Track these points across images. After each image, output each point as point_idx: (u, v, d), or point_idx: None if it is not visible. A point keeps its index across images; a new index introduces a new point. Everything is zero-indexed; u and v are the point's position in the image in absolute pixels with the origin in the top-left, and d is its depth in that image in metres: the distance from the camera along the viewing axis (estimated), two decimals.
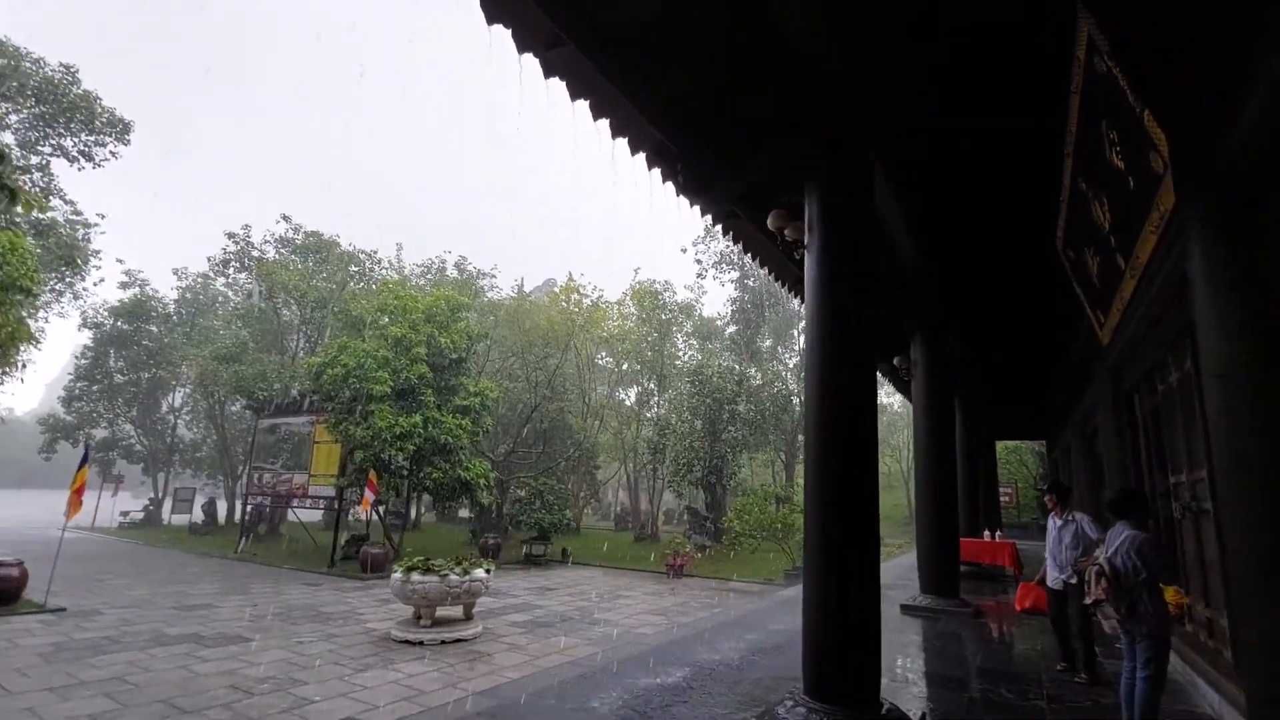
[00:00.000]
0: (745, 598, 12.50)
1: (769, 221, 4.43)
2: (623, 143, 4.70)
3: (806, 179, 4.12)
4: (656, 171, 5.11)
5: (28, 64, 15.03)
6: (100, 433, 27.68)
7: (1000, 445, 25.01)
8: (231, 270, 24.04)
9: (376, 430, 14.18)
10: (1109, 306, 6.08)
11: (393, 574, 8.64)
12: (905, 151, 4.85)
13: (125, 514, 26.15)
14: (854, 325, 3.84)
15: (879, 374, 13.14)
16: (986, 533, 11.77)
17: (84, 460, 10.36)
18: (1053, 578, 5.26)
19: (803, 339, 3.98)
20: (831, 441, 3.74)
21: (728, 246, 23.30)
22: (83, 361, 26.56)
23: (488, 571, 8.92)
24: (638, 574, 15.97)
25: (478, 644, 8.23)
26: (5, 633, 7.97)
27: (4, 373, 20.30)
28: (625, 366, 29.66)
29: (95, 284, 27.45)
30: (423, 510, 27.91)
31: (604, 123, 4.37)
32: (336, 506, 16.19)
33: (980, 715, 4.18)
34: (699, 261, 24.78)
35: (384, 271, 24.24)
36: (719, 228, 6.27)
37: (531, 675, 6.38)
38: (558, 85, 4.00)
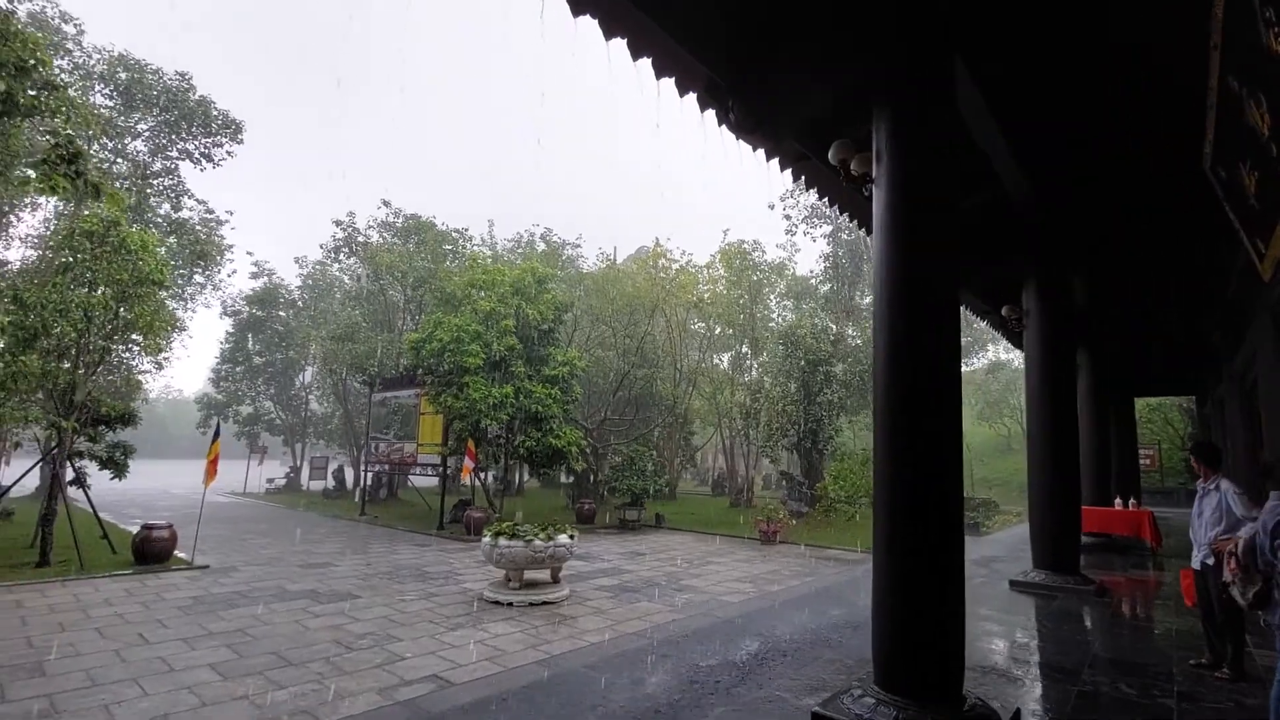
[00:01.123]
0: (839, 567, 11.98)
1: (830, 155, 3.91)
2: (669, 84, 4.32)
3: (873, 101, 3.56)
4: (712, 115, 4.70)
5: (150, 75, 16.63)
6: (245, 409, 30.99)
7: (1141, 403, 22.32)
8: (342, 256, 25.83)
9: (471, 401, 14.75)
10: (1270, 232, 4.98)
11: (483, 538, 8.96)
12: (1001, 53, 4.11)
13: (270, 481, 29.32)
14: (929, 264, 3.31)
15: (989, 325, 11.91)
16: (1118, 500, 10.46)
17: (215, 435, 11.50)
18: (1196, 556, 4.46)
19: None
20: (903, 397, 3.27)
21: (818, 199, 22.04)
22: (226, 346, 29.73)
23: (572, 537, 9.03)
24: (731, 540, 15.76)
25: (563, 607, 8.37)
26: (155, 587, 9.07)
27: (164, 358, 23.01)
28: (718, 331, 29.12)
29: (229, 275, 30.39)
30: (526, 477, 29.11)
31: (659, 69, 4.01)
32: (442, 473, 17.15)
33: (1089, 714, 3.62)
34: (788, 217, 23.62)
35: (476, 248, 25.06)
36: (789, 174, 5.74)
37: (601, 643, 6.36)
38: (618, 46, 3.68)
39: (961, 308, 17.83)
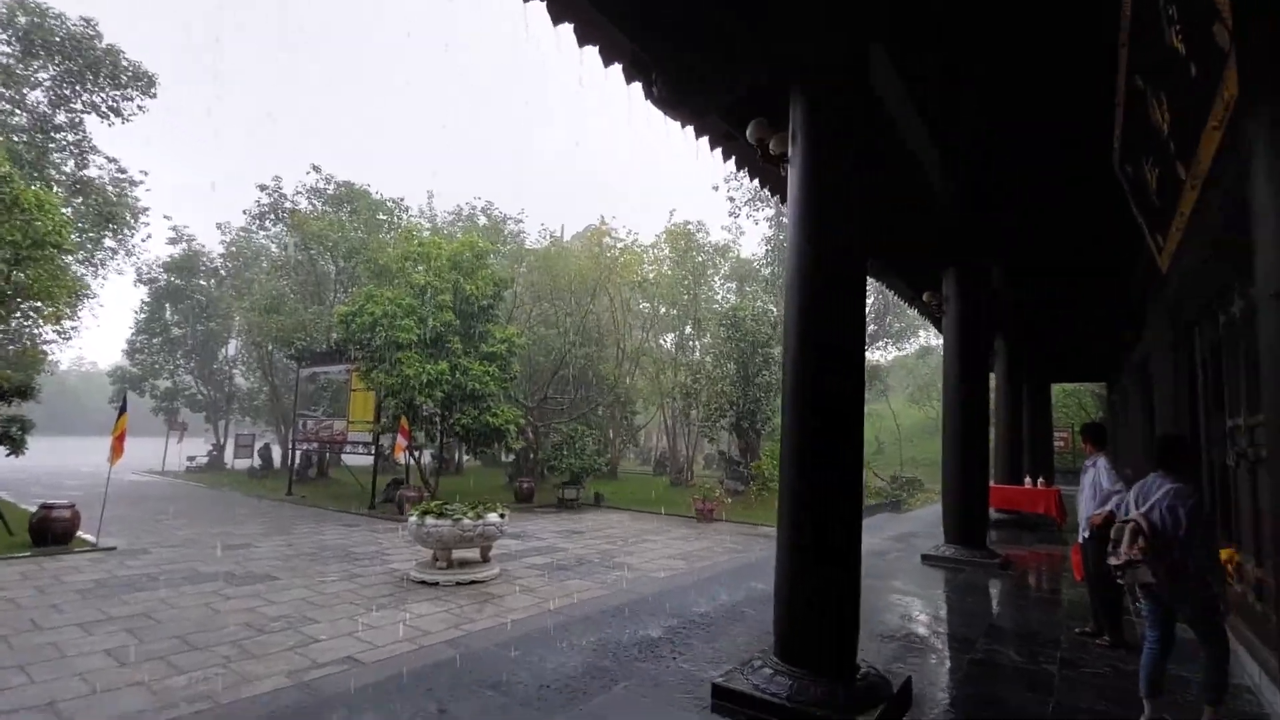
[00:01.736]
0: (769, 543, 12.29)
1: (748, 134, 3.91)
2: (593, 53, 4.21)
3: (790, 82, 3.56)
4: (638, 87, 4.62)
5: (52, 20, 15.14)
6: (163, 383, 29.25)
7: (1058, 388, 23.72)
8: (268, 223, 24.47)
9: (404, 378, 14.33)
10: (1168, 228, 5.31)
11: (409, 518, 8.77)
12: (921, 44, 4.19)
13: (191, 459, 27.87)
14: (836, 245, 3.37)
15: (918, 311, 12.35)
16: (1028, 479, 11.12)
17: (121, 409, 10.80)
18: (1080, 531, 4.77)
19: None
20: (807, 373, 3.34)
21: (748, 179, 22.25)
22: (141, 316, 27.87)
23: (502, 516, 8.94)
24: (668, 519, 15.99)
25: (492, 586, 8.31)
26: (54, 570, 8.50)
27: (70, 327, 21.38)
28: (663, 311, 29.24)
29: (144, 240, 28.43)
30: (466, 456, 28.66)
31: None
32: (373, 452, 16.67)
33: (977, 681, 3.84)
34: (731, 199, 23.85)
35: (414, 219, 24.20)
36: (719, 153, 5.73)
37: (521, 620, 6.34)
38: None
39: (889, 293, 18.42)
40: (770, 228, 23.73)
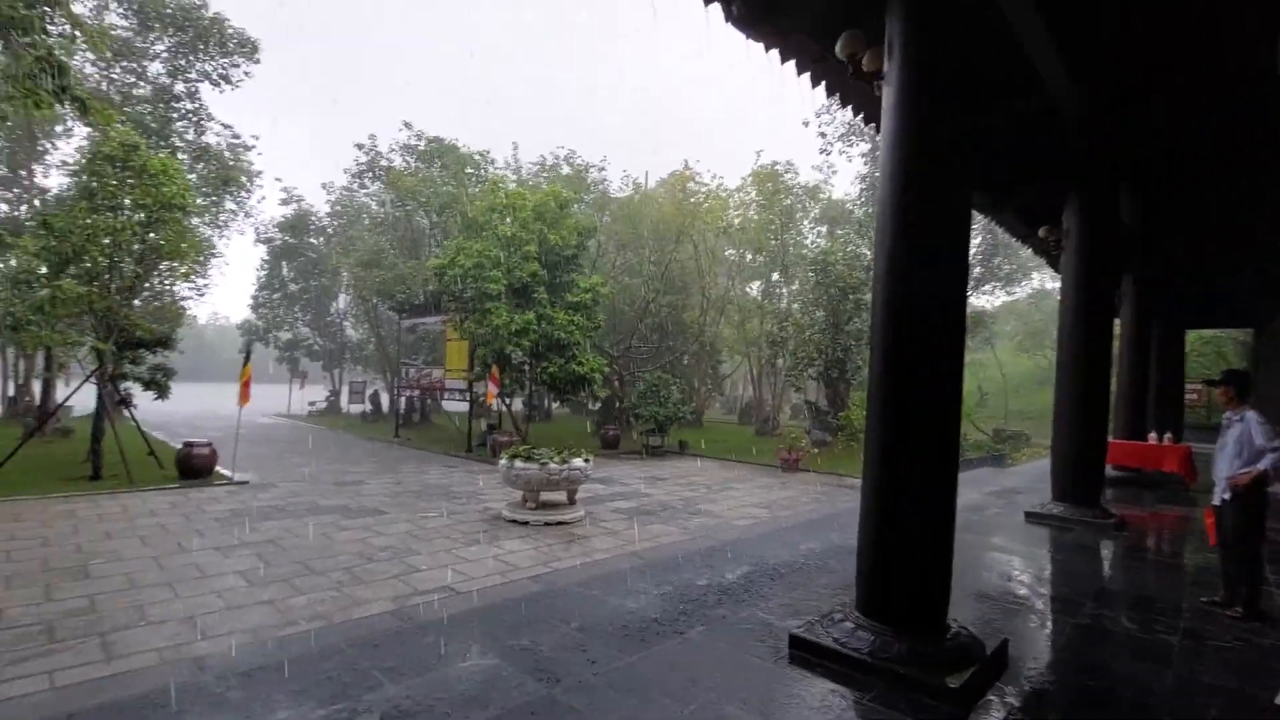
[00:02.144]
0: (854, 494, 11.93)
1: (838, 49, 3.52)
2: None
3: None
4: (716, 10, 4.28)
5: None
6: (284, 334, 31.92)
7: (1194, 335, 21.22)
8: (367, 181, 25.63)
9: (494, 328, 14.82)
10: None
11: (500, 461, 9.18)
12: None
13: (311, 404, 30.56)
14: (938, 170, 3.01)
15: (1032, 251, 11.25)
16: (1153, 435, 10.06)
17: (246, 358, 11.86)
18: (1216, 492, 4.23)
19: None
20: (900, 313, 3.06)
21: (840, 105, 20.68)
22: (262, 273, 30.33)
23: (586, 461, 9.16)
24: (752, 467, 15.90)
25: (577, 527, 8.61)
26: (197, 500, 9.61)
27: (203, 284, 23.56)
28: (749, 258, 28.41)
29: (259, 201, 30.53)
30: (554, 403, 29.63)
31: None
32: (469, 398, 17.54)
33: (1082, 648, 3.54)
34: (823, 135, 22.33)
35: (499, 171, 24.54)
36: (807, 79, 5.28)
37: (603, 560, 6.52)
38: None
39: (999, 232, 16.86)
40: (865, 164, 22.15)
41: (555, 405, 29.70)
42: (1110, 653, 3.59)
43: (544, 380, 16.23)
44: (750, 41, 4.63)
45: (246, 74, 18.23)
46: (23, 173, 20.09)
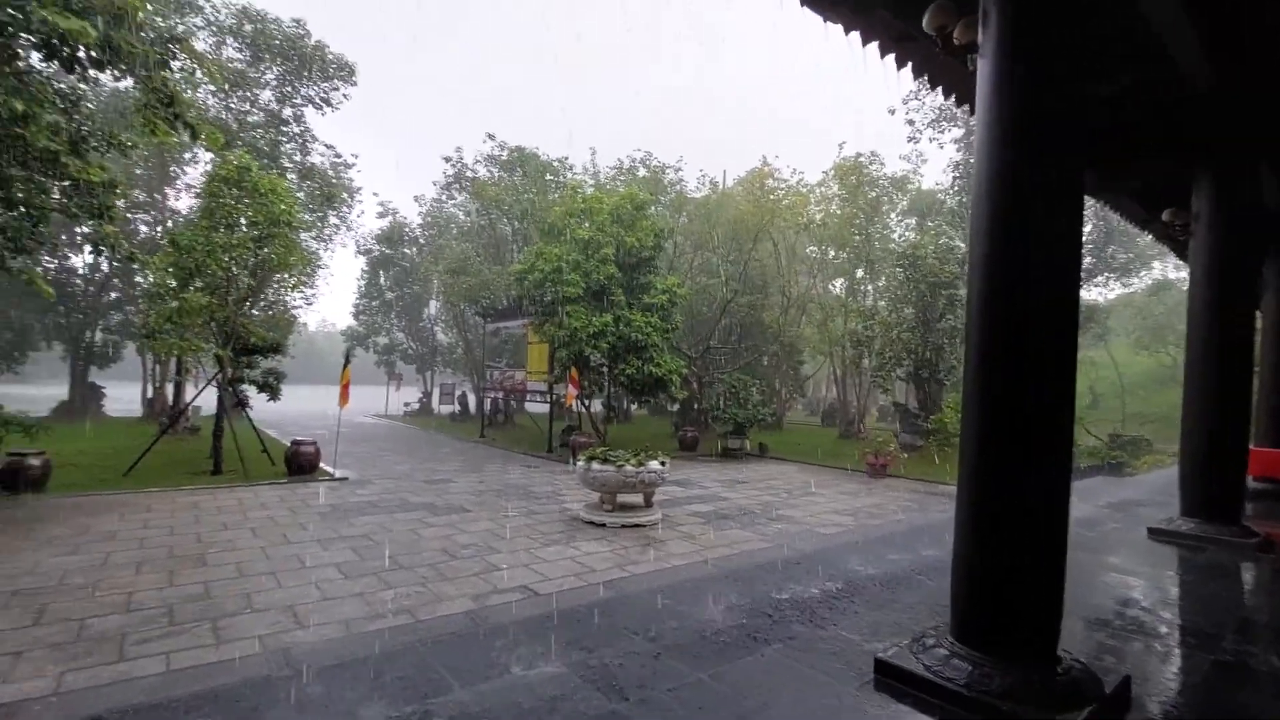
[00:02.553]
0: (948, 504, 11.18)
1: (925, 23, 3.24)
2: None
3: None
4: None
5: (271, 25, 17.61)
6: (382, 340, 33.94)
7: None
8: (454, 191, 26.79)
9: (572, 330, 15.06)
10: None
11: (577, 462, 9.26)
12: None
13: (406, 405, 32.29)
14: (1043, 147, 2.69)
15: (1153, 238, 10.18)
16: None
17: (345, 362, 12.63)
18: None
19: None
20: (1001, 308, 2.77)
21: (929, 87, 19.48)
22: (361, 282, 32.39)
23: (663, 464, 9.09)
24: (836, 471, 15.31)
25: (654, 530, 8.55)
26: (302, 495, 10.30)
27: (311, 293, 25.34)
28: (831, 254, 27.45)
29: (358, 216, 32.59)
30: (633, 405, 29.82)
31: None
32: (549, 400, 17.92)
33: (1220, 688, 3.07)
34: (910, 122, 21.21)
35: (577, 177, 24.98)
36: (892, 61, 4.96)
37: (678, 567, 6.40)
38: None
39: (1114, 218, 15.36)
40: (958, 150, 20.83)
41: (634, 407, 29.88)
42: (1257, 697, 3.11)
43: (622, 382, 16.33)
44: (829, 25, 4.39)
45: (345, 96, 19.56)
46: (158, 196, 22.43)
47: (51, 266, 24.56)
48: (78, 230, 19.46)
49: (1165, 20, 4.28)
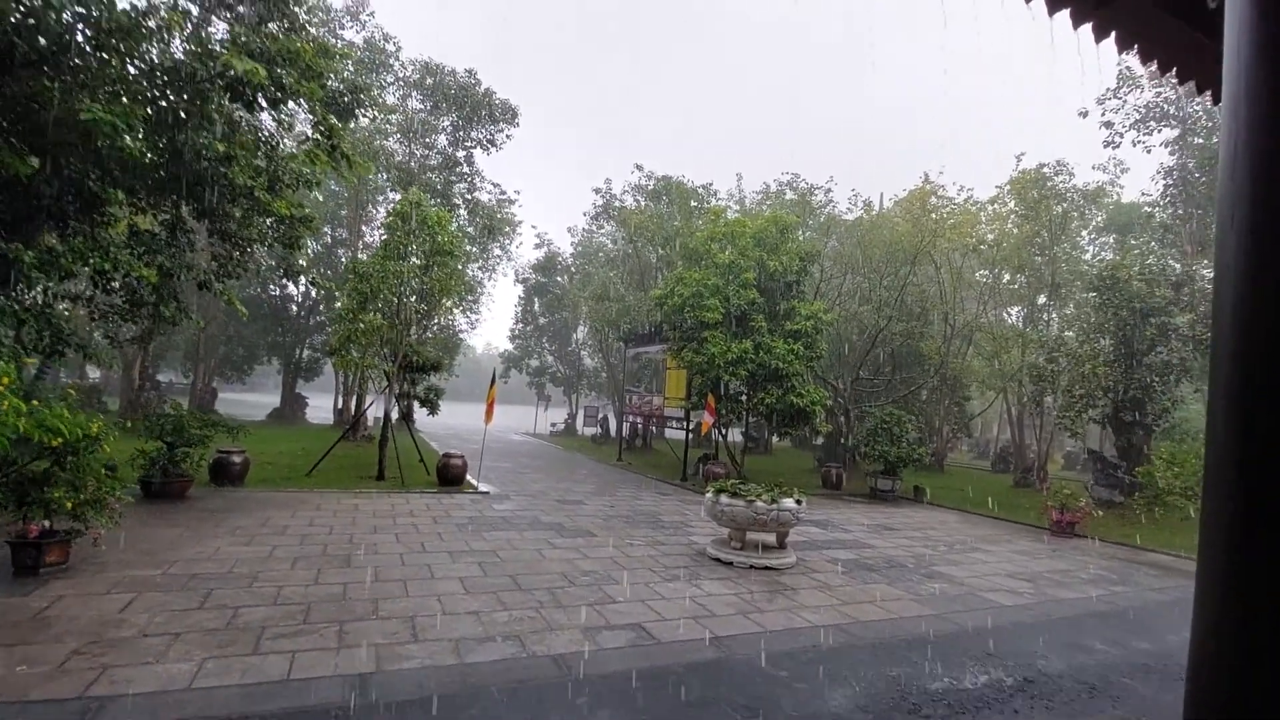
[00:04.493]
0: (1162, 578, 9.15)
1: None
2: None
3: None
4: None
5: (448, 77, 19.60)
6: (534, 362, 35.94)
7: None
8: (603, 221, 27.85)
9: (710, 356, 14.66)
10: None
11: (705, 493, 8.78)
12: None
13: (553, 425, 33.73)
14: None
15: None
16: None
17: (492, 382, 13.28)
18: None
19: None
20: (1255, 339, 1.94)
21: (1157, 93, 16.56)
22: (518, 309, 34.68)
23: (799, 502, 8.32)
24: (1009, 525, 13.27)
25: (786, 575, 7.80)
26: (447, 505, 10.84)
27: (475, 318, 27.40)
28: (1006, 279, 24.54)
29: (517, 247, 35.02)
30: (774, 437, 28.62)
31: None
32: (686, 426, 17.59)
33: None
34: (1108, 125, 18.36)
35: (722, 202, 24.81)
36: (1089, 35, 4.06)
37: (801, 629, 5.64)
38: None
39: None
40: (1171, 154, 17.60)
41: (776, 439, 28.64)
42: None
43: (761, 411, 15.58)
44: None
45: (508, 137, 21.17)
46: (357, 232, 25.80)
47: (275, 293, 29.17)
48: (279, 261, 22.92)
49: None
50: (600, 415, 30.85)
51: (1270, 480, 1.99)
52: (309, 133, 7.59)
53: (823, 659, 3.76)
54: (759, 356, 14.71)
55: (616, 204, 26.42)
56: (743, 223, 16.61)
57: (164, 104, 6.95)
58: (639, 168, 25.81)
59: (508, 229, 27.85)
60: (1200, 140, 16.64)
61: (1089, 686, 3.49)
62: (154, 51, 6.97)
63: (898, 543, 10.50)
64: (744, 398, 16.18)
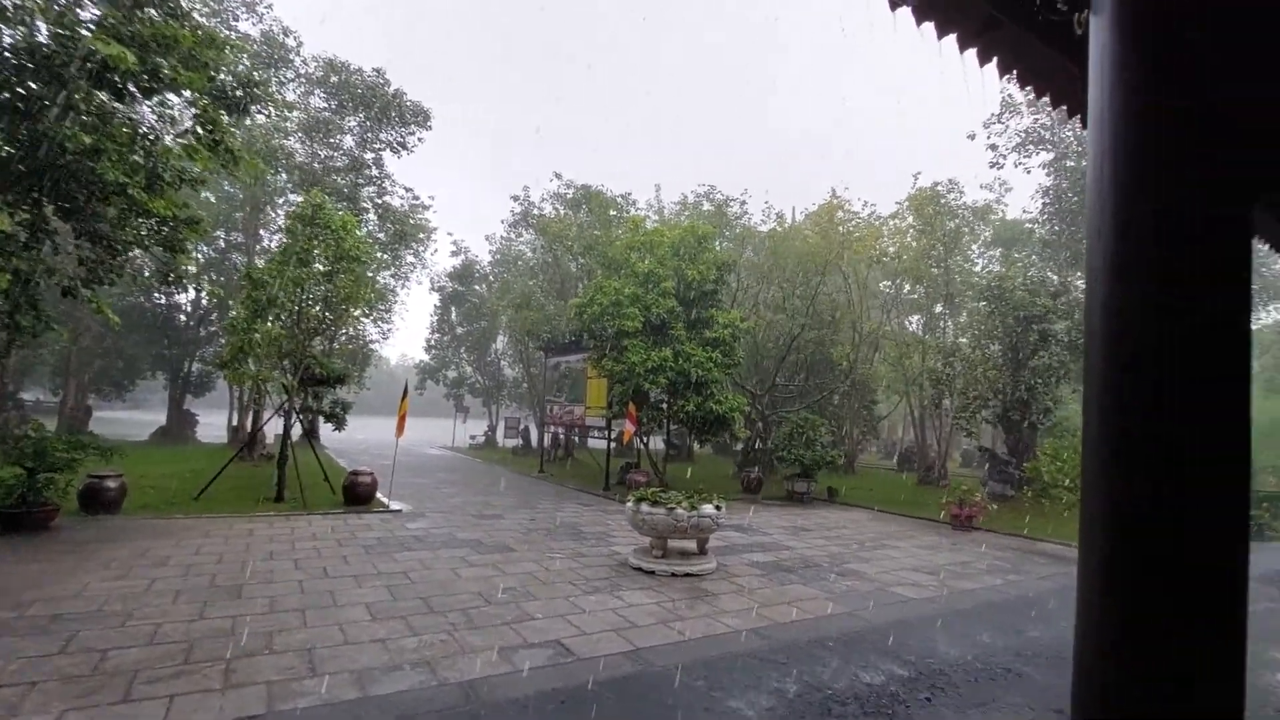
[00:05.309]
0: (1052, 566, 9.91)
1: None
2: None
3: None
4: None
5: (354, 76, 18.73)
6: (451, 373, 34.81)
7: None
8: (522, 229, 27.41)
9: (630, 365, 14.67)
10: None
11: (627, 502, 8.71)
12: None
13: (472, 437, 32.73)
14: (1184, 124, 2.04)
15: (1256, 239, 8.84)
16: None
17: (404, 394, 12.70)
18: None
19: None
20: (1122, 342, 2.09)
21: (1034, 119, 18.22)
22: (434, 318, 33.51)
23: (718, 508, 8.40)
24: (914, 521, 14.01)
25: (707, 581, 7.84)
26: (353, 526, 10.21)
27: (387, 328, 26.23)
28: (907, 289, 26.13)
29: (432, 254, 33.95)
30: (696, 443, 29.03)
31: None
32: (608, 435, 17.51)
33: None
34: (993, 147, 19.99)
35: (641, 212, 25.03)
36: (974, 58, 4.34)
37: (726, 635, 5.69)
38: None
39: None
40: (1049, 175, 19.39)
41: (697, 446, 29.06)
42: None
43: (681, 419, 15.73)
44: (896, 18, 3.86)
45: (420, 140, 20.46)
46: (255, 236, 24.09)
47: (161, 302, 26.76)
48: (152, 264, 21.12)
49: None
50: (521, 426, 30.23)
51: (1139, 468, 2.14)
52: (197, 128, 6.98)
53: (741, 664, 3.76)
54: (678, 364, 14.86)
55: (536, 212, 26.10)
56: (661, 232, 16.80)
57: (21, 90, 6.19)
58: (558, 176, 25.66)
59: (421, 235, 26.87)
60: (1072, 163, 18.41)
61: (988, 673, 3.67)
62: (12, 34, 6.20)
63: (813, 543, 10.82)
64: (665, 405, 16.30)
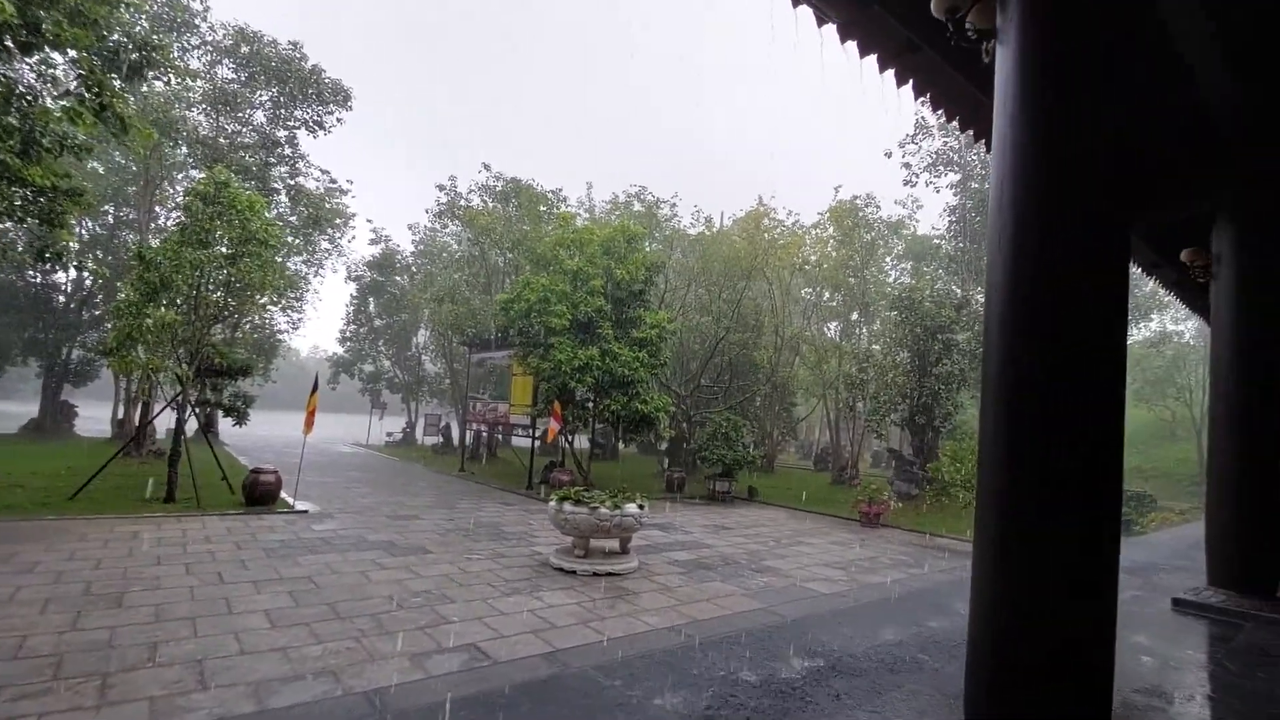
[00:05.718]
0: (950, 560, 10.60)
1: (934, 6, 2.80)
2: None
3: None
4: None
5: (267, 47, 17.54)
6: (368, 367, 33.28)
7: None
8: (448, 220, 26.56)
9: (556, 363, 14.53)
10: None
11: (550, 502, 8.62)
12: None
13: (389, 435, 31.43)
14: (1076, 155, 2.23)
15: (1159, 284, 9.81)
16: None
17: (314, 388, 12.01)
18: None
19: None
20: (1016, 352, 2.26)
21: (945, 141, 19.44)
22: (350, 308, 31.92)
23: (641, 507, 8.45)
24: (827, 520, 14.63)
25: (629, 580, 7.87)
26: (255, 528, 9.57)
27: (298, 317, 24.74)
28: (826, 296, 27.25)
29: (350, 241, 32.31)
30: (622, 443, 29.11)
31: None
32: (532, 433, 17.26)
33: None
34: (907, 165, 21.20)
35: (572, 209, 24.85)
36: (892, 79, 4.57)
37: (644, 635, 5.75)
38: None
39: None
40: (955, 195, 20.77)
41: (622, 445, 29.14)
42: None
43: (607, 418, 15.73)
44: (823, 35, 4.01)
45: (339, 120, 19.40)
46: (149, 212, 22.09)
47: (35, 280, 24.13)
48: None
49: (1187, 37, 3.91)
50: (443, 423, 29.30)
51: (1027, 469, 2.31)
52: (82, 90, 6.26)
53: (659, 662, 3.79)
54: (605, 363, 14.85)
55: (462, 203, 25.36)
56: (591, 230, 16.74)
57: None
58: (487, 167, 25.05)
59: (338, 220, 25.52)
60: (976, 185, 19.79)
61: (891, 663, 3.86)
62: None
63: (733, 541, 11.08)
64: (590, 404, 16.25)
